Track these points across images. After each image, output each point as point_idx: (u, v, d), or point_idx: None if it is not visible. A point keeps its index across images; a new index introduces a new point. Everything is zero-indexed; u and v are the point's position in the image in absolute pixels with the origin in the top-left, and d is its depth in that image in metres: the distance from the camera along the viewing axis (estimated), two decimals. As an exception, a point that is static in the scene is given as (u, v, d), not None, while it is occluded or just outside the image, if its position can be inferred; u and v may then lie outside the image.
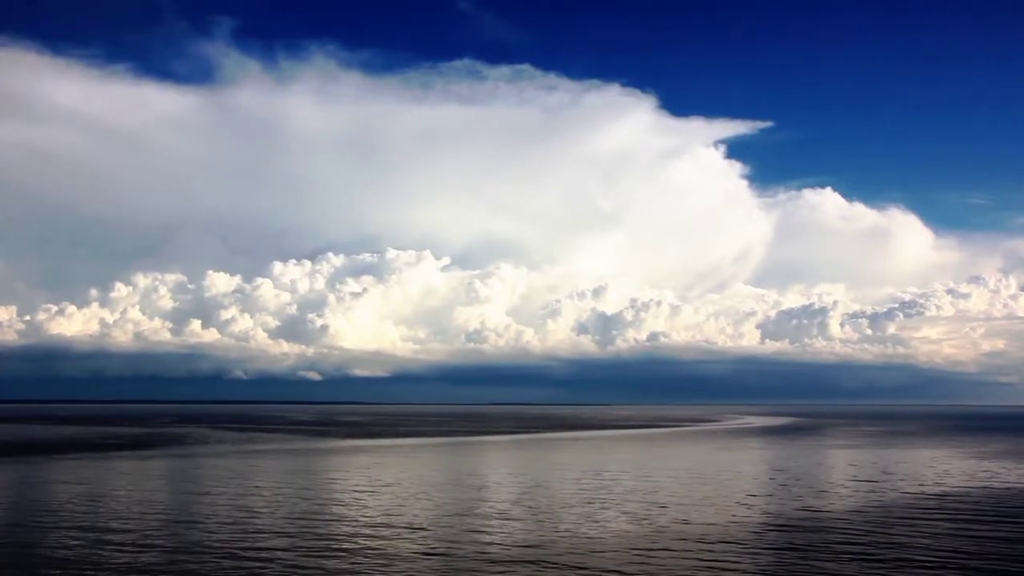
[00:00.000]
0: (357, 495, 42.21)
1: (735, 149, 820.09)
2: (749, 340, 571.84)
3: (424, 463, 65.74)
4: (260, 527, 32.23)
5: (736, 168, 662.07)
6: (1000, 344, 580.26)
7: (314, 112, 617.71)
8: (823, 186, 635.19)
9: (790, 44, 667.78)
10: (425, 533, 31.07)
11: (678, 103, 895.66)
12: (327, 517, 34.83)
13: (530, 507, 37.95)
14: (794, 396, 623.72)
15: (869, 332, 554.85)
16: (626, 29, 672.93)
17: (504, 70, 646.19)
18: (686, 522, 33.64)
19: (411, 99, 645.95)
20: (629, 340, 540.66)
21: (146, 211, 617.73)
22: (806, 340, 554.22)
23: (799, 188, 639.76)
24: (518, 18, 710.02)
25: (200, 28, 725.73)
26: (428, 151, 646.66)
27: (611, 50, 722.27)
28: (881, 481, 49.59)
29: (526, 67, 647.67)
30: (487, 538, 30.03)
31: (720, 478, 51.21)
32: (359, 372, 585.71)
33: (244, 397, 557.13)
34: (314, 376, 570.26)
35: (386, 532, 31.27)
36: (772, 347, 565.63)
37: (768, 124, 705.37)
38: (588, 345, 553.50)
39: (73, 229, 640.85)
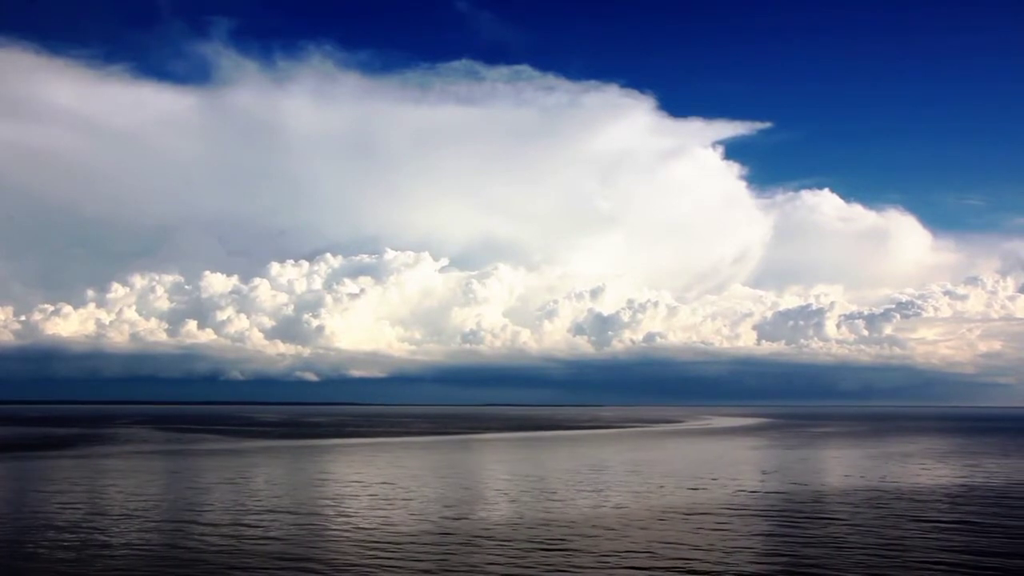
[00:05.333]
0: (191, 492, 42.70)
1: (733, 150, 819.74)
2: (745, 341, 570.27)
3: (318, 464, 66.07)
4: (51, 524, 32.78)
5: (734, 169, 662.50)
6: (997, 345, 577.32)
7: (312, 113, 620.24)
8: (821, 187, 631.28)
9: (789, 45, 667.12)
10: (210, 529, 31.56)
11: (677, 104, 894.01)
12: (118, 514, 35.34)
13: (337, 504, 38.42)
14: (791, 397, 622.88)
15: (865, 333, 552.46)
16: (625, 30, 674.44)
17: (502, 71, 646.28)
18: (459, 519, 34.09)
19: (409, 100, 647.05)
20: (625, 341, 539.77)
21: (144, 211, 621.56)
22: (802, 341, 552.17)
23: (797, 189, 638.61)
24: (516, 19, 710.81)
25: (197, 28, 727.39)
26: (426, 152, 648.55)
27: (610, 51, 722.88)
28: (725, 478, 49.80)
29: (524, 68, 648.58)
30: (248, 534, 30.50)
31: (567, 475, 51.46)
32: (356, 373, 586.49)
33: (241, 398, 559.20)
34: (311, 377, 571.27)
35: (173, 526, 31.81)
36: (769, 348, 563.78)
37: (766, 125, 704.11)
38: (584, 346, 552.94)
39: (70, 229, 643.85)
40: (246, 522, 33.67)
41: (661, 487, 46.40)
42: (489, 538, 30.16)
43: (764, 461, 67.52)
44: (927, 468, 60.49)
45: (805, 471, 57.81)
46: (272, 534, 30.98)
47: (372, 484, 47.92)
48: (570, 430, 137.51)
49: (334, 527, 32.76)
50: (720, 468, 59.66)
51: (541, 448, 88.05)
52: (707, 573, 24.89)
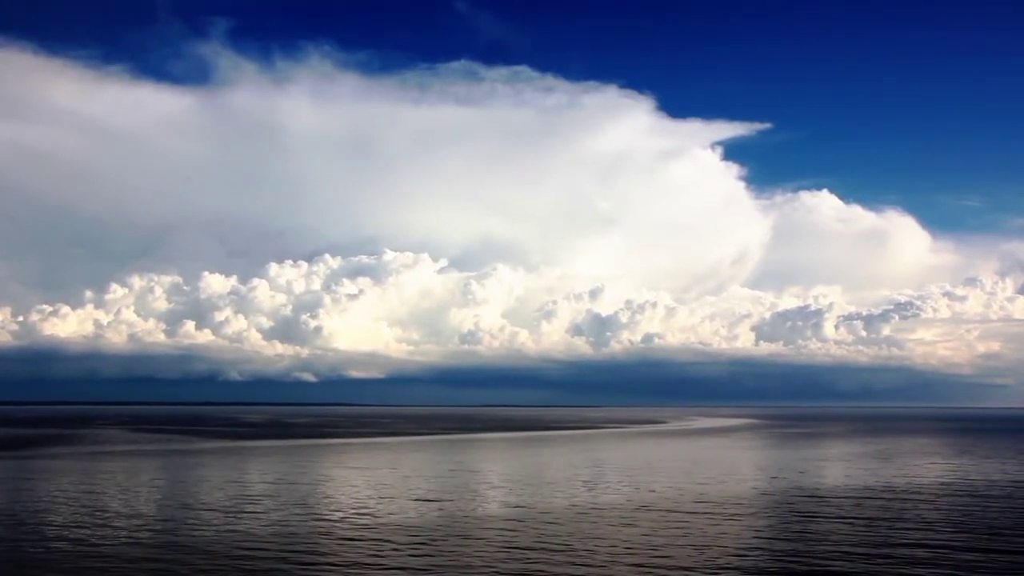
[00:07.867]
0: (111, 491, 43.13)
1: (732, 150, 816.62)
2: (744, 342, 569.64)
3: (260, 464, 66.44)
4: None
5: (733, 170, 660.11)
6: (996, 346, 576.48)
7: (311, 113, 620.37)
8: (820, 188, 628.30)
9: (788, 46, 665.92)
10: (98, 527, 31.94)
11: (676, 104, 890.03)
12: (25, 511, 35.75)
13: (220, 505, 38.75)
14: (790, 398, 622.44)
15: (864, 334, 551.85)
16: (624, 30, 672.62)
17: (501, 71, 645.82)
18: (359, 516, 34.41)
19: (408, 100, 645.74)
20: (624, 342, 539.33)
21: (143, 212, 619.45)
22: (801, 342, 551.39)
23: (796, 190, 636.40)
24: (515, 19, 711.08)
25: (196, 29, 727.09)
26: (425, 152, 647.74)
27: (609, 51, 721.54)
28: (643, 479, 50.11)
29: (523, 68, 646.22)
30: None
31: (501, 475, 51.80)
32: (354, 374, 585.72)
33: (238, 399, 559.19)
34: (309, 378, 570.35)
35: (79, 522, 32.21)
36: (767, 349, 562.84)
37: (766, 126, 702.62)
38: (583, 347, 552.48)
39: (69, 230, 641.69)
40: (146, 517, 34.05)
41: (585, 484, 46.73)
42: (373, 529, 30.49)
43: (710, 461, 67.66)
44: (867, 468, 60.62)
45: (738, 471, 58.00)
46: (175, 529, 31.33)
47: (300, 484, 48.16)
48: (550, 431, 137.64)
49: (218, 525, 33.00)
50: (659, 468, 59.97)
51: (505, 449, 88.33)
52: (577, 563, 25.18)
